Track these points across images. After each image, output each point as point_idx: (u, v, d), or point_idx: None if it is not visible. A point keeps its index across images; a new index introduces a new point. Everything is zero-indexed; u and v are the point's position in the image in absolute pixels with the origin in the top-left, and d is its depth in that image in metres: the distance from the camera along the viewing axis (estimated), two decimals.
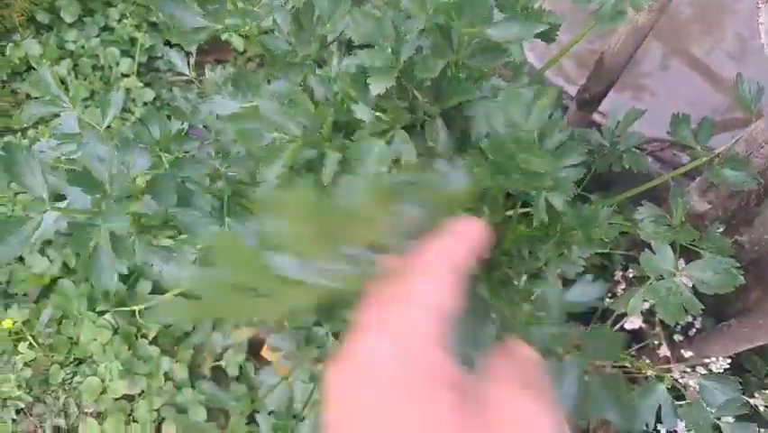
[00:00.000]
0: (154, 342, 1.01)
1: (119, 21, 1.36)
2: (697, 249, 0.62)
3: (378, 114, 0.54)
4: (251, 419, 0.86)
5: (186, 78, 0.77)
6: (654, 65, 1.11)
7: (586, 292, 0.58)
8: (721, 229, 0.64)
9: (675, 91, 1.09)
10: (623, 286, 0.97)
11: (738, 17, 1.15)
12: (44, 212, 0.46)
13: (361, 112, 0.53)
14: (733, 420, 0.62)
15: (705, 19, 1.15)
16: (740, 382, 0.58)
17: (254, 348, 1.10)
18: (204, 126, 0.73)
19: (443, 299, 0.23)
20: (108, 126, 0.68)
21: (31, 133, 1.23)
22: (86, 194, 0.46)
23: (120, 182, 0.47)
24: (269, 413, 0.84)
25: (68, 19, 1.33)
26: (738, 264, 0.60)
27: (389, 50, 0.54)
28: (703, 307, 0.55)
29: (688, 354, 0.84)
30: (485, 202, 0.56)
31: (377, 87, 0.52)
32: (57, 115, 0.67)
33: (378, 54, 0.54)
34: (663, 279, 0.57)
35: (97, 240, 0.45)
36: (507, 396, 0.23)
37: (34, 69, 1.29)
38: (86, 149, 0.48)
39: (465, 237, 0.25)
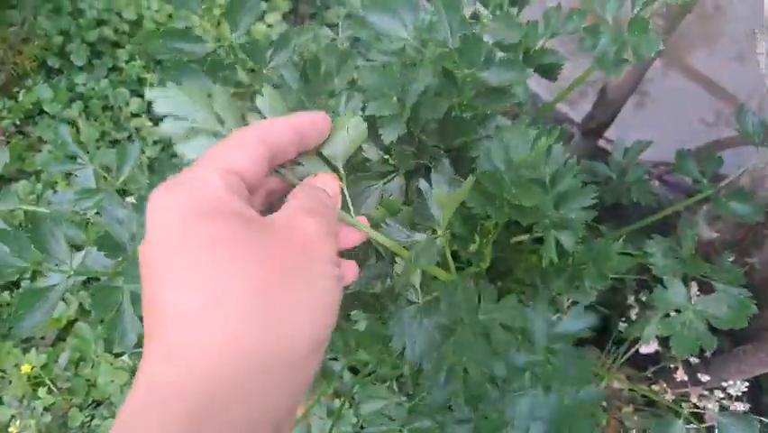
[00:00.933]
0: None
1: (127, 62, 1.39)
2: (708, 280, 0.62)
3: (386, 156, 0.56)
4: None
5: None
6: (655, 74, 1.12)
7: (576, 323, 0.59)
8: (732, 258, 0.65)
9: (676, 100, 1.10)
10: (636, 310, 0.97)
11: (736, 26, 1.16)
12: (68, 277, 0.48)
13: (370, 152, 0.55)
14: None
15: (704, 28, 1.16)
16: (760, 421, 0.58)
17: None
18: None
19: (240, 161, 0.28)
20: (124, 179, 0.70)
21: (44, 176, 1.25)
22: (109, 258, 0.47)
23: (139, 243, 0.48)
24: None
25: (78, 62, 1.36)
26: (750, 286, 0.61)
27: (395, 99, 0.56)
28: (718, 341, 0.55)
29: (705, 378, 0.84)
30: (477, 230, 0.57)
31: (389, 136, 0.53)
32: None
33: (386, 104, 0.55)
34: (678, 312, 0.57)
35: (119, 301, 0.46)
36: (290, 218, 0.29)
37: (46, 112, 1.32)
38: (106, 213, 0.49)
39: (289, 122, 0.32)
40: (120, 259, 0.49)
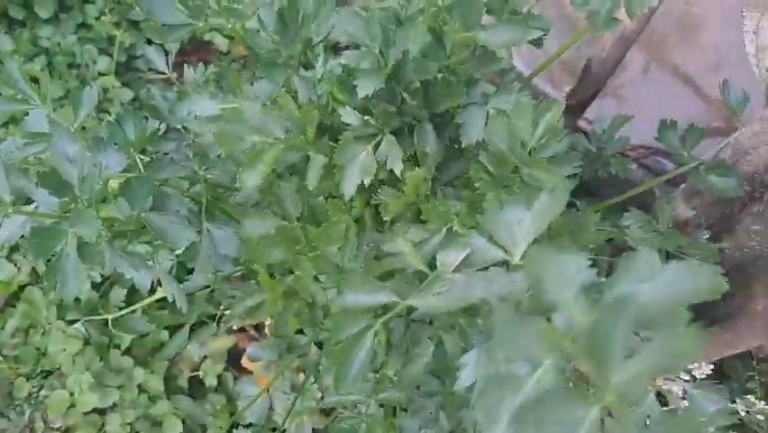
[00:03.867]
0: (128, 352, 0.97)
1: (97, 18, 1.32)
2: (684, 256, 0.61)
3: (366, 117, 0.53)
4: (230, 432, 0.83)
5: (165, 76, 0.75)
6: (636, 72, 1.12)
7: None
8: (706, 236, 0.64)
9: (656, 98, 1.11)
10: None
11: (716, 25, 1.17)
12: (6, 215, 0.43)
13: (349, 116, 0.52)
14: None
15: (684, 27, 1.16)
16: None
17: (234, 357, 1.07)
18: (182, 127, 0.71)
19: None
20: (82, 127, 0.65)
21: (0, 133, 1.18)
22: (54, 196, 0.43)
23: (91, 184, 0.44)
24: (248, 426, 0.81)
25: (44, 15, 1.28)
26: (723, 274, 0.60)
27: (377, 50, 0.53)
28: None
29: None
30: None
31: (364, 89, 0.50)
32: (27, 114, 0.63)
33: (365, 55, 0.52)
34: None
35: (62, 246, 0.42)
36: None
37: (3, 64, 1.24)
38: (56, 148, 0.45)
39: None
40: (67, 199, 0.45)
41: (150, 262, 0.57)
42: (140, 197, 0.51)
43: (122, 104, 1.24)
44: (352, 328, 0.39)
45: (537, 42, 0.68)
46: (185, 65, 0.61)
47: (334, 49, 0.79)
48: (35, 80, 1.32)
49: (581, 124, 0.96)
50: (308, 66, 0.68)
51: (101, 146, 0.50)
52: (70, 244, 0.44)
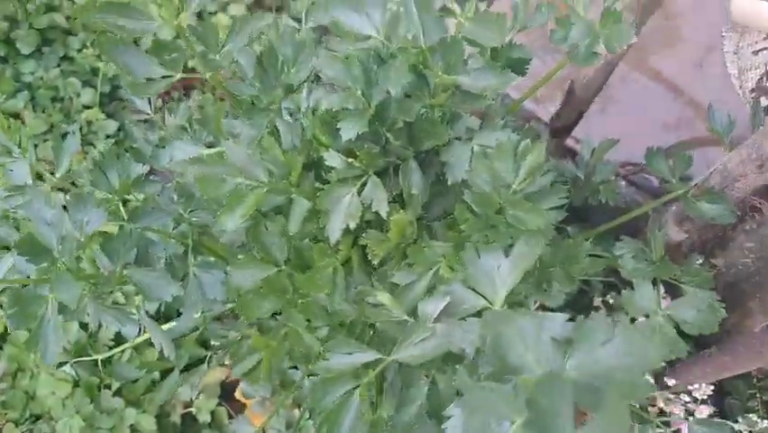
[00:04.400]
0: (118, 393, 0.95)
1: (79, 50, 1.31)
2: (677, 283, 0.61)
3: (350, 159, 0.52)
4: None
5: (148, 117, 0.74)
6: (617, 77, 1.12)
7: None
8: (700, 261, 0.64)
9: (639, 103, 1.11)
10: (603, 312, 0.97)
11: (698, 30, 1.18)
12: None
13: (332, 159, 0.51)
14: None
15: (665, 32, 1.17)
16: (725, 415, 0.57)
17: (227, 390, 1.05)
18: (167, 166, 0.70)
19: None
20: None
21: None
22: (32, 263, 0.42)
23: (70, 247, 0.43)
24: None
25: (25, 50, 1.27)
26: (715, 289, 0.60)
27: (359, 92, 0.52)
28: (688, 348, 0.53)
29: (671, 382, 0.83)
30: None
31: (348, 133, 0.50)
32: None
33: (347, 99, 0.52)
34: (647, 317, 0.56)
35: (42, 311, 0.41)
36: None
37: None
38: (32, 211, 0.44)
39: None
40: (46, 265, 0.44)
41: (134, 313, 0.56)
42: (122, 252, 0.50)
43: (107, 136, 1.22)
44: (336, 392, 0.38)
45: (521, 71, 0.68)
46: (166, 111, 0.60)
47: (317, 77, 0.78)
48: (18, 116, 1.30)
49: (569, 142, 0.95)
50: (291, 102, 0.67)
51: (81, 203, 0.49)
52: (51, 309, 0.43)
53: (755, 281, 0.75)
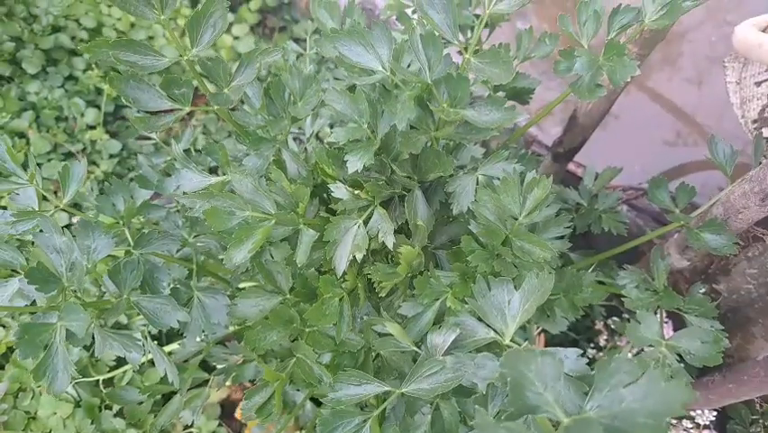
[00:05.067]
0: (119, 414, 0.95)
1: (84, 71, 1.32)
2: (681, 312, 0.61)
3: (356, 191, 0.52)
4: None
5: (153, 141, 0.74)
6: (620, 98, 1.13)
7: None
8: (703, 290, 0.64)
9: (638, 120, 1.12)
10: (605, 336, 0.97)
11: (696, 46, 1.19)
12: None
13: (339, 191, 0.51)
14: None
15: (664, 50, 1.18)
16: None
17: (227, 409, 1.05)
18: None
19: None
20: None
21: None
22: (41, 292, 0.42)
23: (79, 275, 0.43)
24: None
25: (31, 70, 1.29)
26: (717, 315, 0.60)
27: (365, 125, 0.53)
28: (687, 372, 0.53)
29: None
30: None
31: (354, 165, 0.50)
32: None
33: (354, 132, 0.52)
34: (651, 347, 0.56)
35: (51, 339, 0.41)
36: None
37: None
38: (42, 239, 0.44)
39: None
40: (54, 293, 0.44)
41: (139, 339, 0.56)
42: (129, 280, 0.50)
43: (110, 156, 1.23)
44: (347, 425, 0.38)
45: (525, 100, 0.68)
46: (172, 140, 0.61)
47: (321, 103, 0.79)
48: (22, 136, 1.31)
49: (571, 167, 0.96)
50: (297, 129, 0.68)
51: (89, 231, 0.49)
52: (59, 337, 0.43)
53: (758, 307, 0.76)
